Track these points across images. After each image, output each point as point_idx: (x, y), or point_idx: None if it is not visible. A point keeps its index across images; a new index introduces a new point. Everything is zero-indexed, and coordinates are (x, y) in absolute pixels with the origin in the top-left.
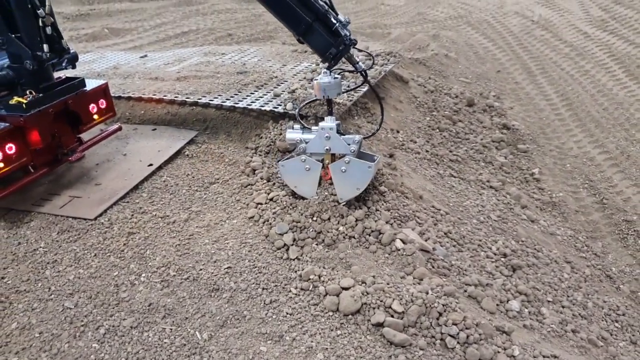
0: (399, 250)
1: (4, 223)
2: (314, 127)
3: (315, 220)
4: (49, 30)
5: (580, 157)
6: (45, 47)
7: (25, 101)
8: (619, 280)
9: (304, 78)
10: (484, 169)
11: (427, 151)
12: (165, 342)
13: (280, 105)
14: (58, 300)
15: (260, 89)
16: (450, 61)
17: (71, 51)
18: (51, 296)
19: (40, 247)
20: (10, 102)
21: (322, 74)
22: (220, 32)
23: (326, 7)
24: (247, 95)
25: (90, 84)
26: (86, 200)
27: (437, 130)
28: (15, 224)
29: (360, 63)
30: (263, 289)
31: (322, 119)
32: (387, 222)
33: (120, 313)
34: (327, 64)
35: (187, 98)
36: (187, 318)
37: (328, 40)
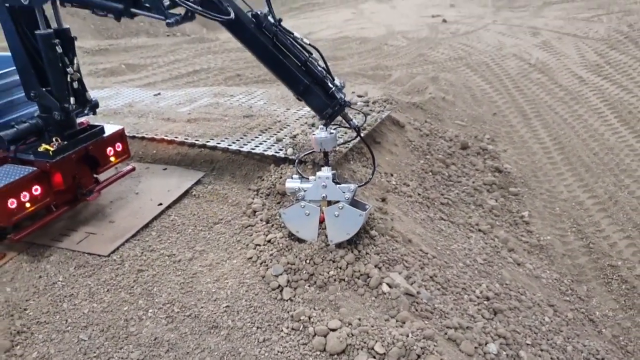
0: (385, 293)
1: (27, 257)
2: (311, 177)
3: (309, 263)
4: (75, 84)
5: (569, 201)
6: (72, 100)
7: (52, 149)
8: (601, 324)
9: (305, 123)
10: (474, 212)
11: (419, 194)
12: None
13: (281, 150)
14: (74, 332)
15: (264, 133)
16: (447, 104)
17: (92, 99)
18: (68, 328)
19: (59, 280)
20: (38, 149)
21: (319, 129)
22: (229, 71)
23: (324, 72)
24: (252, 139)
25: (109, 129)
26: (100, 237)
27: (430, 173)
28: (36, 257)
29: (354, 120)
30: (257, 327)
31: (320, 166)
32: (375, 266)
33: (129, 346)
34: (322, 122)
35: (196, 140)
36: (188, 353)
37: (325, 102)
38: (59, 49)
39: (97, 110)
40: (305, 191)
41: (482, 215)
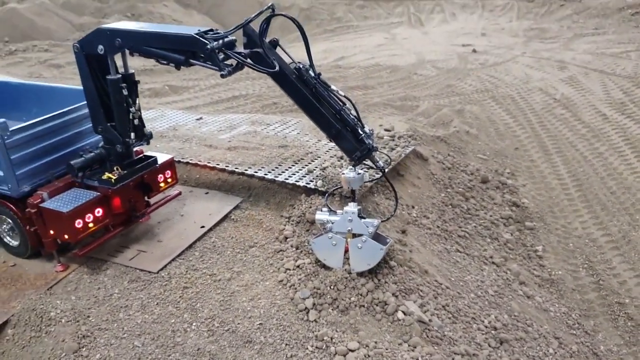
0: (399, 320)
1: (87, 269)
2: (338, 211)
3: (333, 289)
4: (136, 121)
5: (583, 237)
6: (132, 135)
7: (114, 177)
8: (605, 358)
9: (335, 155)
10: (489, 245)
11: (438, 227)
12: None
13: (312, 181)
14: (129, 339)
15: (297, 163)
16: (470, 137)
17: (148, 132)
18: (124, 335)
19: (115, 292)
20: (102, 177)
21: (348, 169)
22: (266, 99)
23: (355, 120)
24: (285, 169)
25: (160, 158)
26: (150, 255)
27: (450, 206)
28: (95, 270)
29: (380, 162)
30: (286, 344)
31: (348, 201)
32: (393, 294)
33: (175, 354)
34: (352, 163)
35: (235, 168)
36: None
37: (354, 146)
38: (125, 92)
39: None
40: (333, 223)
41: (497, 248)
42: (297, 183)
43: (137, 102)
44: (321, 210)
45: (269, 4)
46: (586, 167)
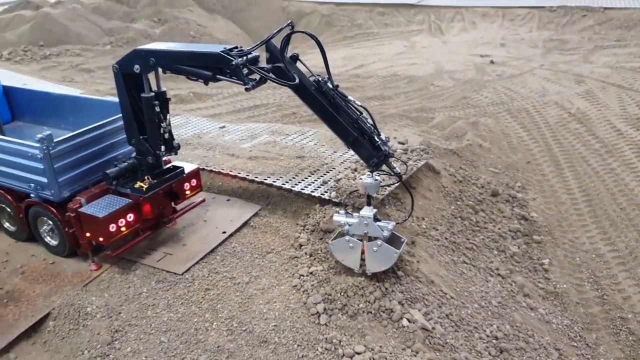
0: (404, 327)
1: (118, 269)
2: (355, 214)
3: (343, 295)
4: (166, 135)
5: (590, 252)
6: (162, 147)
7: (145, 186)
8: None
9: (349, 167)
10: (496, 257)
11: (446, 239)
12: None
13: (326, 192)
14: (156, 335)
15: (312, 174)
16: (483, 151)
17: (176, 145)
18: (152, 331)
19: (144, 292)
20: (134, 186)
21: (365, 175)
22: (286, 109)
23: (372, 128)
24: (302, 180)
25: (187, 168)
26: (175, 258)
27: (459, 218)
28: (125, 270)
29: (397, 168)
30: (298, 345)
31: (364, 205)
32: (399, 302)
33: (197, 350)
34: (369, 169)
35: (255, 177)
36: None
37: (371, 152)
38: (157, 108)
39: None
40: (350, 226)
41: (503, 260)
42: (313, 193)
43: (167, 117)
44: (338, 213)
45: (289, 22)
46: (597, 183)
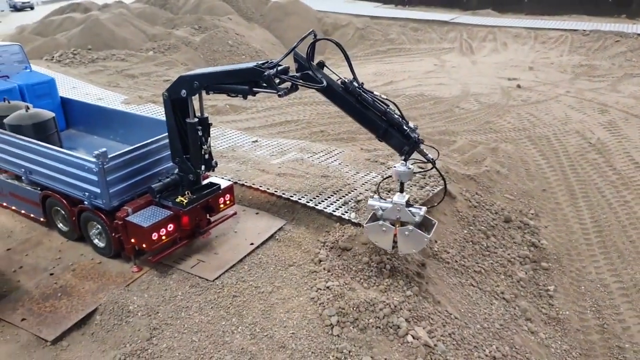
0: (409, 342)
1: (156, 272)
2: (388, 199)
3: (355, 310)
4: (207, 156)
5: (596, 282)
6: (203, 167)
7: (185, 201)
8: None
9: (369, 189)
10: (502, 281)
11: (456, 262)
12: None
13: (346, 212)
14: (189, 334)
15: (335, 194)
16: (500, 177)
17: (214, 163)
18: (185, 331)
19: (178, 295)
20: (176, 200)
21: (399, 164)
22: (315, 126)
23: (400, 119)
24: (325, 198)
25: (223, 184)
26: (208, 265)
27: (471, 242)
28: (163, 274)
29: (429, 155)
30: (312, 352)
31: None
32: (406, 320)
33: (224, 351)
34: (402, 157)
35: (282, 194)
36: None
37: (402, 141)
38: (200, 132)
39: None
40: (383, 210)
41: (510, 285)
42: (334, 212)
43: (208, 141)
44: (372, 197)
45: (310, 30)
46: (609, 214)
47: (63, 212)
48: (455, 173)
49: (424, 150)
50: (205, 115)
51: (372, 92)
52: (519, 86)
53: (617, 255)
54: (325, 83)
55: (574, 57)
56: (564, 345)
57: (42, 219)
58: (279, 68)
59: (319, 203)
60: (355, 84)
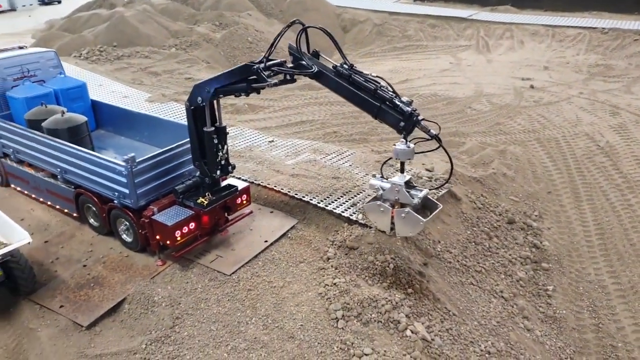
0: (407, 336)
1: (179, 266)
2: (390, 179)
3: (359, 306)
4: (223, 162)
5: (594, 283)
6: (218, 172)
7: (206, 202)
8: None
9: None
10: (502, 280)
11: (458, 261)
12: None
13: (354, 213)
14: (207, 324)
15: (344, 195)
16: (506, 179)
17: (230, 168)
18: (204, 320)
19: (198, 287)
20: (197, 201)
21: (399, 142)
22: (329, 127)
23: (393, 95)
24: (335, 199)
25: (240, 185)
26: (225, 260)
27: (473, 243)
28: (184, 267)
29: (432, 130)
30: (318, 343)
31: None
32: (406, 315)
33: (239, 339)
34: (402, 135)
35: (295, 194)
36: (273, 351)
37: (396, 117)
38: (215, 140)
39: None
40: (383, 190)
41: (509, 284)
42: (343, 213)
43: (225, 147)
44: (374, 177)
45: (293, 20)
46: (612, 217)
47: (94, 209)
48: (462, 175)
49: (426, 127)
50: (224, 124)
51: (362, 72)
52: (532, 87)
53: (617, 258)
54: (315, 69)
55: (591, 56)
56: (558, 343)
57: (75, 214)
58: (269, 62)
59: (329, 204)
60: (345, 66)
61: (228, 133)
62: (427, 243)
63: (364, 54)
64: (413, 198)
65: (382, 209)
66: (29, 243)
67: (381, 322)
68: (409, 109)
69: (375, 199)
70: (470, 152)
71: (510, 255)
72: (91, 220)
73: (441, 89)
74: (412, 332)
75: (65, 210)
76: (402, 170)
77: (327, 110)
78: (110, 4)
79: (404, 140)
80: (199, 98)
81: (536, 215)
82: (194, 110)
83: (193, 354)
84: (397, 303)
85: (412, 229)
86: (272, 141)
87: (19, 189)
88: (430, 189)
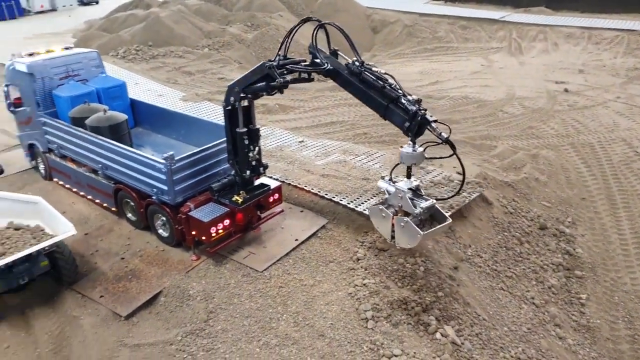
0: (437, 339)
1: (212, 261)
2: (396, 183)
3: (389, 307)
4: (254, 163)
5: (630, 293)
6: (248, 172)
7: (240, 199)
8: None
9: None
10: (533, 287)
11: (488, 266)
12: (291, 359)
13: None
14: (240, 319)
15: (375, 196)
16: (538, 184)
17: (262, 168)
18: (237, 315)
19: (231, 283)
20: (232, 198)
21: (406, 145)
22: (358, 128)
23: (399, 93)
24: (365, 201)
25: (272, 184)
26: (257, 257)
27: (504, 248)
28: (218, 263)
29: (443, 134)
30: (348, 342)
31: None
32: (436, 318)
33: (270, 335)
34: (409, 137)
35: (325, 194)
36: (304, 348)
37: (402, 117)
38: (247, 141)
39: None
40: (389, 194)
41: (540, 291)
42: None
43: (256, 148)
44: (383, 179)
45: (304, 18)
46: None
47: (132, 204)
48: (493, 179)
49: (437, 129)
50: (257, 126)
51: (371, 70)
52: (566, 90)
53: None
54: (327, 66)
55: (629, 60)
56: (592, 353)
57: (113, 209)
58: (282, 60)
59: (359, 205)
60: (357, 62)
61: (260, 136)
62: (458, 247)
63: (394, 55)
64: (415, 207)
65: (383, 215)
66: (73, 235)
67: (411, 324)
68: (413, 107)
69: (382, 202)
70: (501, 156)
71: (541, 261)
72: (129, 215)
73: (472, 92)
74: (442, 335)
75: (104, 205)
76: (408, 176)
77: (357, 112)
78: (146, 5)
79: (410, 143)
80: (232, 98)
81: (569, 222)
82: (230, 111)
83: (226, 348)
84: (427, 306)
85: (409, 241)
86: (302, 141)
87: (61, 182)
88: (437, 199)
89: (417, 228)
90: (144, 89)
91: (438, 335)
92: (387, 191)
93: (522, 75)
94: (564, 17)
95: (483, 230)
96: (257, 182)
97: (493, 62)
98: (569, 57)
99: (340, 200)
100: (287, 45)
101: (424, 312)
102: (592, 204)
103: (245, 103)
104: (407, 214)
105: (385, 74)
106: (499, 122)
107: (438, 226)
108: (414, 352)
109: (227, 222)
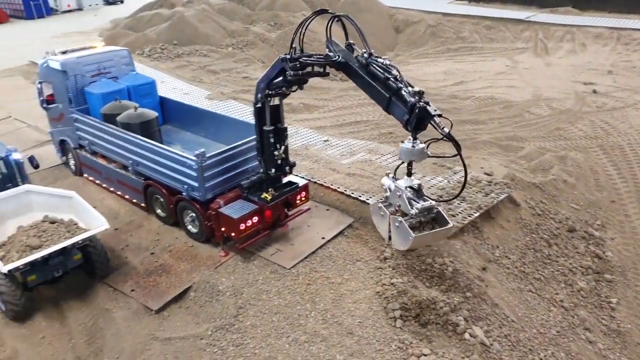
0: (466, 340)
1: (240, 257)
2: (397, 181)
3: (417, 307)
4: (279, 161)
5: None
6: (273, 170)
7: (269, 197)
8: None
9: (434, 194)
10: (562, 290)
11: (516, 267)
12: (320, 355)
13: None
14: (269, 315)
15: None
16: (566, 186)
17: (288, 167)
18: (265, 311)
19: (260, 279)
20: (261, 196)
21: (406, 141)
22: (383, 128)
23: (400, 85)
24: None
25: (300, 182)
26: (285, 254)
27: (532, 250)
28: (246, 259)
29: (445, 128)
30: (376, 341)
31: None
32: (464, 319)
33: (299, 331)
34: (410, 132)
35: (352, 193)
36: (333, 345)
37: (403, 110)
38: (272, 139)
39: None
40: (390, 192)
41: (569, 294)
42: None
43: (282, 147)
44: (387, 176)
45: (318, 9)
46: None
47: (162, 200)
48: (520, 181)
49: (440, 123)
50: (285, 125)
51: (377, 61)
52: (594, 91)
53: None
54: (338, 57)
55: None
56: (622, 358)
57: (142, 205)
58: (295, 54)
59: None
60: (365, 54)
61: (287, 136)
62: (486, 247)
63: (417, 55)
64: (411, 207)
65: (382, 213)
66: (106, 229)
67: (439, 324)
68: (412, 99)
69: (383, 200)
70: (529, 157)
71: (570, 264)
72: (158, 211)
73: (498, 92)
74: (470, 335)
75: (134, 201)
76: (409, 174)
77: (382, 111)
78: (171, 4)
79: (410, 139)
80: (258, 95)
81: (598, 225)
82: (259, 109)
83: (256, 343)
84: (455, 306)
85: (402, 242)
86: (327, 140)
87: (91, 178)
88: (438, 201)
89: (410, 230)
90: (170, 87)
91: (467, 335)
92: (389, 188)
93: (548, 76)
94: (592, 17)
95: (511, 232)
96: (285, 180)
97: (518, 63)
98: (597, 58)
99: (367, 199)
100: (301, 38)
101: (452, 312)
102: (622, 207)
103: (276, 101)
104: (405, 214)
105: (390, 65)
106: (526, 123)
107: (433, 230)
108: (443, 352)
109: (255, 219)
